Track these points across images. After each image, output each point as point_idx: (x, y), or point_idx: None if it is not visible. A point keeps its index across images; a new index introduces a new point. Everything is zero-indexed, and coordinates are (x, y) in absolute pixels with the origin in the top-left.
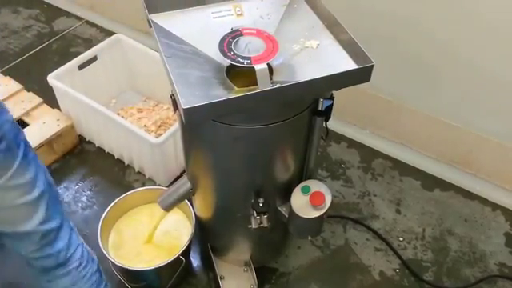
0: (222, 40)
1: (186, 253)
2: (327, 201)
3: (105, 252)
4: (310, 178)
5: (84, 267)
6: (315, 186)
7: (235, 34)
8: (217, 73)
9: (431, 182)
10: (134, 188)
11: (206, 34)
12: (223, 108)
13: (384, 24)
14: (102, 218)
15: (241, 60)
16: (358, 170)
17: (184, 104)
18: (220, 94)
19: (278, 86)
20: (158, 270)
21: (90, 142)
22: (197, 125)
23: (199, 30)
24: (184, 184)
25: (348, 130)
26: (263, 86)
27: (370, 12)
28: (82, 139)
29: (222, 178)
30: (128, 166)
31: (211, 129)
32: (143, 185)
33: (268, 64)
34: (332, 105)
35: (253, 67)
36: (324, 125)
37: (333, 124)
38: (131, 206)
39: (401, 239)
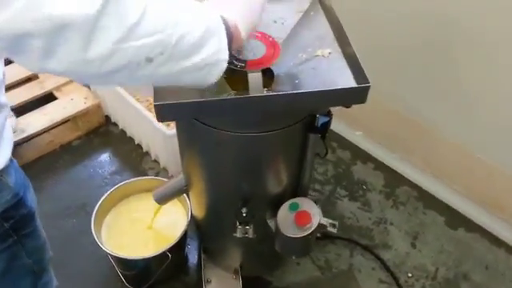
0: None
1: (176, 249)
2: (314, 222)
3: (96, 238)
4: (303, 195)
5: None
6: (305, 204)
7: None
8: None
9: (457, 220)
10: (147, 175)
11: None
12: (198, 109)
13: (424, 48)
14: (98, 203)
15: (235, 62)
16: (379, 194)
17: (156, 100)
18: (207, 95)
19: (256, 95)
20: (146, 261)
21: (115, 124)
22: (184, 123)
23: None
24: (180, 181)
25: (377, 151)
26: (254, 92)
27: (409, 33)
28: (108, 120)
29: (210, 180)
30: (146, 152)
31: (197, 130)
32: (157, 174)
33: (270, 71)
34: (328, 122)
35: (246, 72)
36: (323, 142)
37: (361, 142)
38: (131, 194)
39: (409, 275)
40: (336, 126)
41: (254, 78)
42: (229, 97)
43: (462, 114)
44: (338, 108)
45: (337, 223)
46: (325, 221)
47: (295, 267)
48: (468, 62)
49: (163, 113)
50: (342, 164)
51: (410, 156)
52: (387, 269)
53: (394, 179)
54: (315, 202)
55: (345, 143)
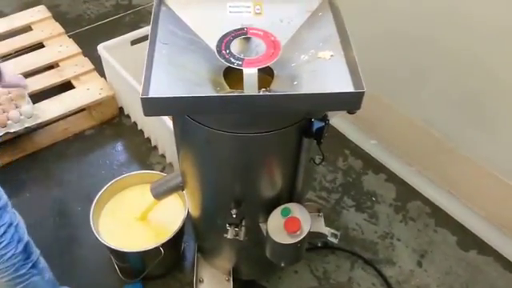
0: (224, 36)
1: (170, 245)
2: (304, 230)
3: (93, 228)
4: (297, 201)
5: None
6: (297, 211)
7: (239, 33)
8: (215, 70)
9: (469, 242)
10: (154, 169)
11: (215, 27)
12: (183, 105)
13: (446, 58)
14: (99, 194)
15: (233, 60)
16: (389, 207)
17: (143, 93)
18: (201, 92)
19: (246, 94)
20: (138, 255)
21: (128, 116)
22: (179, 119)
23: (210, 22)
24: (176, 177)
25: (391, 162)
26: (249, 91)
27: (431, 46)
28: (122, 112)
29: (202, 178)
30: (154, 147)
31: (189, 126)
32: (163, 168)
33: (270, 71)
34: (323, 127)
35: (242, 70)
36: (319, 148)
37: (376, 151)
38: (131, 186)
39: None
40: (350, 132)
41: (249, 76)
42: (215, 94)
43: (485, 131)
44: (349, 114)
45: (339, 233)
46: (326, 230)
47: (292, 275)
48: (493, 77)
49: (148, 107)
50: (353, 173)
51: (426, 170)
52: (388, 286)
53: (406, 193)
54: (318, 210)
55: (358, 151)
